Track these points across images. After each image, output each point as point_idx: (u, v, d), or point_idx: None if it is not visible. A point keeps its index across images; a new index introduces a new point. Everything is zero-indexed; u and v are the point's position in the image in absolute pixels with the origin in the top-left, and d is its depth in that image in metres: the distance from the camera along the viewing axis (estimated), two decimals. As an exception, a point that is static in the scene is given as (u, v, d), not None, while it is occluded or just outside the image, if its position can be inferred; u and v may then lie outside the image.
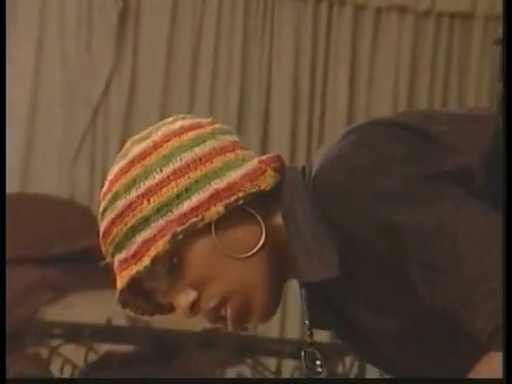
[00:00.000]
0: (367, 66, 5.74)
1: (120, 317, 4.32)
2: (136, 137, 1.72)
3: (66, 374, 3.94)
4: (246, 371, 4.21)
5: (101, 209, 1.70)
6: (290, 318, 5.12)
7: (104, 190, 1.69)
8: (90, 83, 5.45)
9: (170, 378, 1.39)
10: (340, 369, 4.13)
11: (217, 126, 1.73)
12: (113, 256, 1.68)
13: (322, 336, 2.90)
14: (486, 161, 1.64)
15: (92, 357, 4.01)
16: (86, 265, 4.45)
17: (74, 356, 3.98)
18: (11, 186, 5.24)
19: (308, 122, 5.69)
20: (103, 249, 1.69)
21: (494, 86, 5.70)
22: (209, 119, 1.74)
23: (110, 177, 1.69)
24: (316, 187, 1.63)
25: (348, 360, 4.09)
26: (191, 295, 1.65)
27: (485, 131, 1.67)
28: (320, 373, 1.76)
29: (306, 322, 1.75)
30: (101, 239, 1.69)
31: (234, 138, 1.72)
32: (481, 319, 1.54)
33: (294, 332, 5.20)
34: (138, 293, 1.70)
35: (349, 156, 1.61)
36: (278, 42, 5.65)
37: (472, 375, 1.55)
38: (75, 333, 3.99)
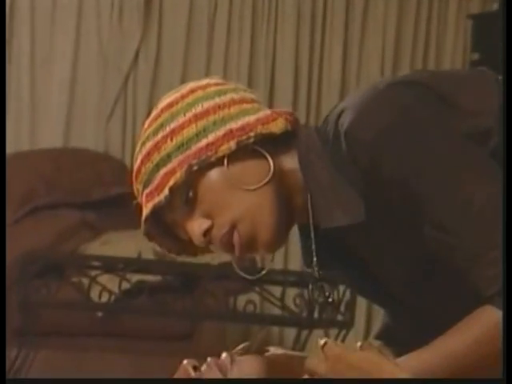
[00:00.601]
0: (358, 38, 5.71)
1: (149, 252, 4.37)
2: (168, 93, 1.68)
3: (104, 299, 4.01)
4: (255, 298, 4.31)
5: (135, 154, 1.67)
6: (292, 252, 5.07)
7: (139, 137, 1.67)
8: (121, 54, 5.45)
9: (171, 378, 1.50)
10: (335, 295, 4.07)
11: (240, 85, 1.69)
12: (142, 192, 1.64)
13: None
14: (498, 120, 1.58)
15: (125, 285, 4.06)
16: (119, 208, 4.54)
17: (110, 284, 4.03)
18: (56, 142, 5.32)
19: (308, 86, 5.69)
20: (135, 189, 1.66)
21: (466, 55, 5.75)
22: (234, 83, 1.70)
23: (144, 126, 1.67)
24: (348, 141, 1.56)
25: (341, 288, 4.04)
26: (205, 223, 1.60)
27: (492, 91, 1.61)
28: (332, 302, 1.79)
29: (315, 259, 1.66)
30: (133, 181, 1.65)
31: (253, 95, 1.67)
32: (486, 281, 1.49)
33: (296, 264, 5.17)
34: (161, 227, 1.66)
35: (380, 114, 1.54)
36: (282, 18, 5.63)
37: (466, 321, 1.51)
38: (111, 265, 4.05)
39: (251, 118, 1.60)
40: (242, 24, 5.61)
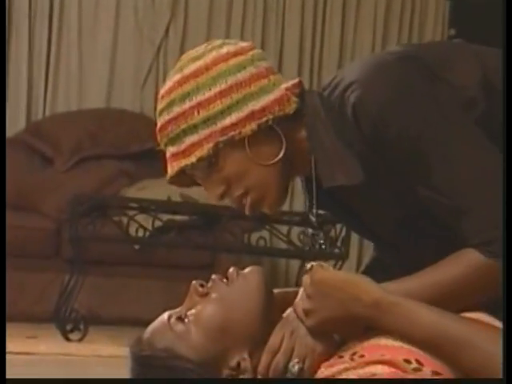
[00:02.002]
0: (353, 14, 5.66)
1: (177, 196, 4.38)
2: (190, 55, 1.62)
3: (140, 234, 4.01)
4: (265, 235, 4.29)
5: (159, 108, 1.61)
6: (297, 195, 5.01)
7: (162, 93, 1.60)
8: (154, 28, 5.41)
9: (175, 379, 1.44)
10: (332, 233, 4.09)
11: (255, 51, 1.62)
12: (165, 146, 1.61)
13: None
14: (483, 90, 1.54)
15: (157, 223, 4.05)
16: (152, 160, 4.42)
17: (145, 222, 4.03)
18: (99, 104, 5.30)
19: (311, 52, 5.64)
20: (158, 138, 1.63)
21: (444, 31, 5.68)
22: (249, 43, 1.64)
23: (169, 84, 1.60)
24: (355, 113, 1.52)
25: (338, 226, 4.06)
26: (220, 189, 1.58)
27: (472, 63, 1.56)
28: (324, 248, 1.76)
29: (315, 210, 1.64)
30: (157, 131, 1.62)
31: (267, 63, 1.62)
32: (473, 232, 1.46)
33: (300, 206, 5.06)
34: (183, 177, 1.63)
35: (385, 89, 1.50)
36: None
37: (450, 258, 1.47)
38: (145, 207, 4.03)
39: (270, 98, 1.56)
40: (256, 4, 5.56)
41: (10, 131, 5.02)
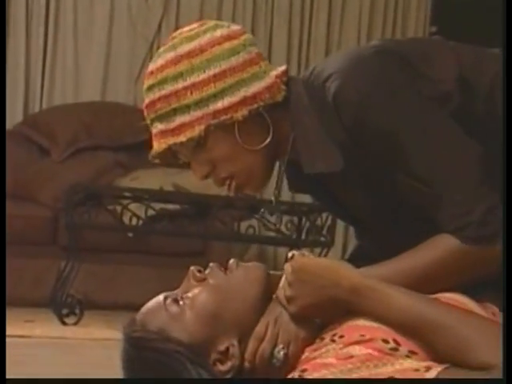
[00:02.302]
0: (339, 8, 5.69)
1: (169, 186, 4.41)
2: (184, 34, 1.56)
3: (133, 222, 4.01)
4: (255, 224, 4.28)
5: (148, 83, 1.55)
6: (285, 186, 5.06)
7: (153, 69, 1.55)
8: (147, 25, 5.41)
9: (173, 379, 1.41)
10: (318, 221, 4.13)
11: (246, 36, 1.59)
12: (151, 122, 1.57)
13: (306, 198, 2.90)
14: (459, 85, 1.53)
15: (150, 212, 4.05)
16: (145, 151, 4.48)
17: (138, 211, 4.03)
18: (95, 97, 5.30)
19: (298, 48, 5.65)
20: (145, 113, 1.57)
21: (426, 27, 5.69)
22: (240, 27, 1.61)
23: (160, 61, 1.54)
24: (335, 102, 1.50)
25: (324, 215, 4.08)
26: (206, 169, 1.57)
27: (448, 59, 1.55)
28: (278, 228, 1.74)
29: (277, 191, 1.65)
30: (145, 106, 1.57)
31: (257, 49, 1.59)
32: (449, 218, 1.46)
33: (287, 196, 5.00)
34: (168, 154, 1.58)
35: (364, 80, 1.49)
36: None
37: (425, 243, 1.47)
38: (139, 196, 4.02)
39: (261, 85, 1.54)
40: (246, 2, 5.55)
41: (8, 123, 5.00)
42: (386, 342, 1.37)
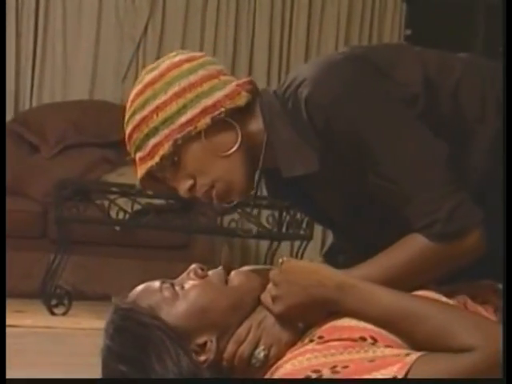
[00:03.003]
0: (318, 17, 5.69)
1: None
2: (148, 68, 1.61)
3: (120, 216, 4.01)
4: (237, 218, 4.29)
5: (125, 121, 1.60)
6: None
7: (127, 106, 1.60)
8: (134, 26, 5.40)
9: (172, 379, 1.40)
10: (298, 215, 4.10)
11: (206, 58, 1.61)
12: (134, 153, 1.60)
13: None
14: (425, 88, 1.54)
15: (136, 206, 4.04)
16: None
17: (125, 206, 4.03)
18: (83, 95, 5.28)
19: (279, 47, 5.65)
20: (128, 148, 1.62)
21: (401, 31, 5.71)
22: (202, 53, 1.63)
23: (130, 97, 1.59)
24: (307, 106, 1.51)
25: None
26: (188, 183, 1.57)
27: (415, 63, 1.57)
28: (259, 222, 1.74)
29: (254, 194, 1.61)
30: (127, 142, 1.60)
31: (219, 67, 1.61)
32: (417, 216, 1.46)
33: None
34: (154, 180, 1.61)
35: (334, 85, 1.50)
36: (260, 1, 5.60)
37: (396, 245, 1.48)
38: (125, 191, 4.01)
39: (220, 94, 1.55)
40: (229, 4, 5.54)
41: (-1, 121, 4.99)
42: (363, 339, 1.37)
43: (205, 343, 1.45)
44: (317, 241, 5.19)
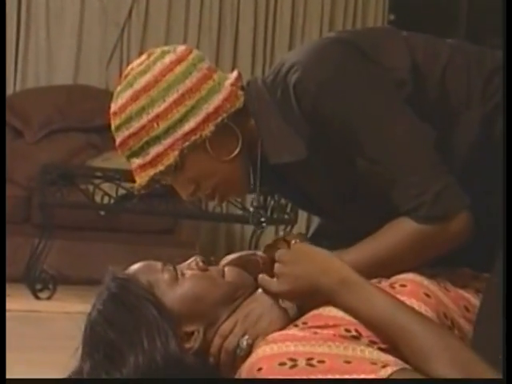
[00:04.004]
0: (303, 3, 5.68)
1: None
2: (136, 69, 1.58)
3: (105, 201, 4.00)
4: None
5: (115, 124, 1.57)
6: None
7: (115, 109, 1.56)
8: (118, 10, 5.36)
9: (179, 378, 1.39)
10: (283, 200, 4.09)
11: (194, 54, 1.60)
12: (128, 158, 1.58)
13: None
14: (412, 73, 1.54)
15: (121, 191, 4.04)
16: None
17: (109, 190, 4.02)
18: (67, 80, 5.25)
19: (264, 36, 5.64)
20: (119, 152, 1.59)
21: (385, 16, 5.71)
22: (186, 47, 1.60)
23: (121, 101, 1.56)
24: (296, 92, 1.51)
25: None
26: (190, 189, 1.58)
27: (401, 48, 1.56)
28: (264, 227, 1.70)
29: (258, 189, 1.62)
30: (118, 146, 1.58)
31: (207, 63, 1.60)
32: (404, 199, 1.46)
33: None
34: (151, 184, 1.58)
35: (322, 70, 1.50)
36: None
37: (384, 229, 1.47)
38: (110, 176, 4.00)
39: (219, 98, 1.54)
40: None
41: (-17, 105, 4.96)
42: (348, 331, 1.37)
43: (192, 332, 1.46)
44: (301, 225, 5.20)
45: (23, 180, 4.62)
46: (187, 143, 1.52)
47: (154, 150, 1.54)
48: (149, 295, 1.44)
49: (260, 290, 1.50)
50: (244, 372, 1.36)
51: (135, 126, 1.54)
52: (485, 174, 1.54)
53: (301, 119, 1.53)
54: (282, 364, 1.30)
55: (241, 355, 1.43)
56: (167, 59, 1.57)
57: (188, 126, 1.52)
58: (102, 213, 4.38)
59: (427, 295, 1.43)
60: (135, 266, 1.51)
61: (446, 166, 1.48)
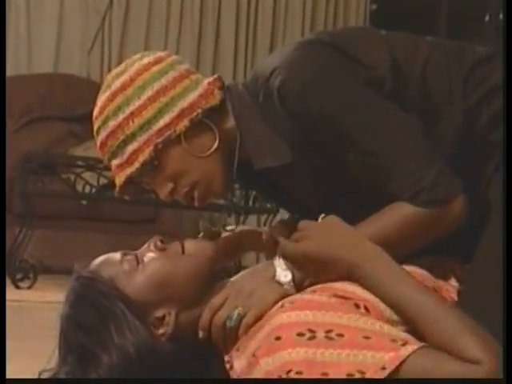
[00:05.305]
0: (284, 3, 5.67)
1: None
2: (114, 72, 1.59)
3: (87, 190, 3.98)
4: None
5: (95, 128, 1.58)
6: None
7: (95, 114, 1.58)
8: (100, -1, 5.36)
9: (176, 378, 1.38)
10: (268, 205, 4.16)
11: (173, 58, 1.61)
12: (109, 161, 1.58)
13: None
14: (392, 71, 1.56)
15: (103, 180, 4.02)
16: None
17: (91, 179, 4.01)
18: (48, 68, 5.21)
19: (245, 35, 5.60)
20: (101, 156, 1.60)
21: (367, 7, 5.65)
22: (166, 52, 1.62)
23: (100, 104, 1.57)
24: (280, 94, 1.52)
25: None
26: (168, 187, 1.58)
27: (380, 46, 1.59)
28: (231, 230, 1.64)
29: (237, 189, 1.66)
30: (98, 149, 1.59)
31: (185, 65, 1.61)
32: (402, 188, 1.47)
33: None
34: (131, 185, 1.60)
35: (304, 71, 1.52)
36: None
37: (382, 211, 1.47)
38: (92, 165, 3.98)
39: (195, 95, 1.55)
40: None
41: (-37, 94, 4.92)
42: (357, 306, 1.34)
43: (163, 316, 1.43)
44: (283, 214, 5.20)
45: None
46: (161, 138, 1.53)
47: (130, 148, 1.54)
48: (112, 290, 1.41)
49: (254, 266, 1.48)
50: (261, 338, 1.32)
51: (112, 124, 1.54)
52: (468, 166, 1.55)
53: (285, 122, 1.53)
54: (301, 334, 1.27)
55: (231, 326, 1.40)
56: (145, 60, 1.58)
57: (163, 122, 1.53)
58: (84, 202, 4.35)
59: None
60: (96, 262, 1.48)
61: (436, 153, 1.50)
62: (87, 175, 4.00)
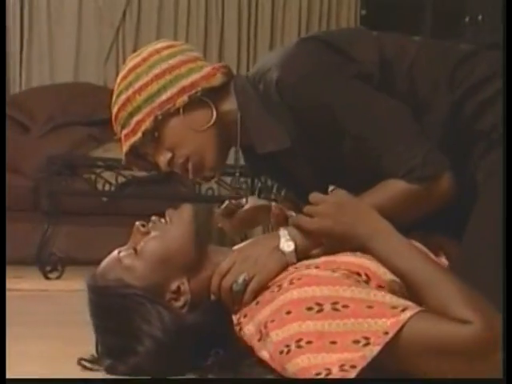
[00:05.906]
0: (282, 3, 5.63)
1: None
2: (132, 55, 1.66)
3: (106, 188, 4.00)
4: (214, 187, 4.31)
5: (112, 102, 1.63)
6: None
7: (114, 90, 1.64)
8: (113, 12, 5.33)
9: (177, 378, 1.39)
10: (269, 182, 4.01)
11: (186, 46, 1.65)
12: (120, 132, 1.63)
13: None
14: (380, 67, 1.56)
15: (121, 179, 4.04)
16: None
17: (110, 178, 4.02)
18: (68, 78, 5.23)
19: (247, 33, 5.57)
20: (115, 128, 1.64)
21: (357, 12, 5.64)
22: (181, 42, 1.67)
23: (117, 81, 1.63)
24: (278, 87, 1.53)
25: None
26: (167, 155, 1.61)
27: (370, 45, 1.58)
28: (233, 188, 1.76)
29: (238, 174, 1.68)
30: (113, 121, 1.63)
31: (197, 54, 1.64)
32: (395, 169, 1.47)
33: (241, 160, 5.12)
34: (137, 157, 1.66)
35: (300, 65, 1.53)
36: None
37: (377, 187, 1.47)
38: (111, 165, 3.99)
39: (197, 76, 1.58)
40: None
41: (-9, 104, 4.94)
42: (358, 274, 1.35)
43: (178, 288, 1.44)
44: (287, 205, 5.20)
45: (31, 171, 4.61)
46: (161, 111, 1.56)
47: (135, 119, 1.59)
48: (125, 289, 1.42)
49: (259, 236, 1.51)
50: (272, 311, 1.31)
51: (123, 98, 1.60)
52: (454, 153, 1.55)
53: (283, 112, 1.55)
54: (310, 309, 1.28)
55: (236, 290, 1.40)
56: (158, 45, 1.64)
57: (165, 96, 1.56)
58: (104, 199, 4.38)
59: None
60: (100, 269, 1.49)
61: (425, 134, 1.50)
62: (107, 174, 4.02)
